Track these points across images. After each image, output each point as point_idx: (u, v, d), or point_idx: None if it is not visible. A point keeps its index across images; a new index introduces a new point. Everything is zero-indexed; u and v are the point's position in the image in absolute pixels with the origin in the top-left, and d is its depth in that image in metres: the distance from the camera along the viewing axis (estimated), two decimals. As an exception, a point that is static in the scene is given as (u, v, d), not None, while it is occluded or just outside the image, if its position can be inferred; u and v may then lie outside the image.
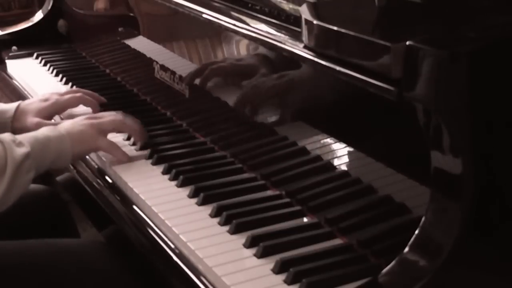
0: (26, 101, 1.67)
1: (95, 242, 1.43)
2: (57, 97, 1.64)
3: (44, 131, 1.35)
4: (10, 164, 1.23)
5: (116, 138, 1.49)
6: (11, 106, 1.61)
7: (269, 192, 1.27)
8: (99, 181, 1.41)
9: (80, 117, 1.44)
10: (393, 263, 0.95)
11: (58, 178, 1.81)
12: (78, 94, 1.66)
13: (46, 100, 1.63)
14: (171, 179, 1.34)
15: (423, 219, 0.94)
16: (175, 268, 1.12)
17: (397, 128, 1.04)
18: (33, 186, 1.61)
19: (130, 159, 1.42)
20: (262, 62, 1.33)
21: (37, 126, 1.53)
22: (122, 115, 1.49)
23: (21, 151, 1.25)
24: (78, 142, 1.37)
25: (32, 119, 1.57)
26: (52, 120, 1.63)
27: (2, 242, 1.35)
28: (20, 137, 1.29)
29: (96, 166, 1.45)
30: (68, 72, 1.94)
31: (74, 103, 1.65)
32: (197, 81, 1.52)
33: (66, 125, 1.39)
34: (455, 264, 0.91)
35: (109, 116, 1.47)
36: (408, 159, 1.04)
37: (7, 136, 1.27)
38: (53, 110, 1.63)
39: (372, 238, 1.07)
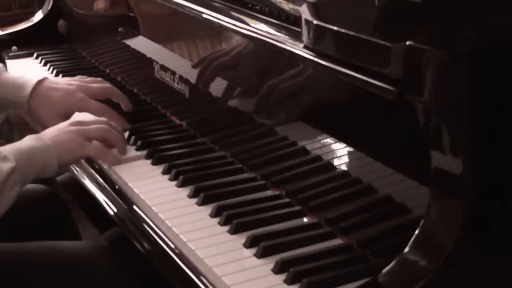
0: (49, 83, 1.58)
1: (96, 245, 1.42)
2: (83, 96, 1.54)
3: (28, 142, 1.30)
4: None
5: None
6: (27, 83, 1.55)
7: (269, 192, 1.27)
8: (99, 181, 1.41)
9: (65, 123, 1.39)
10: (393, 263, 0.95)
11: (58, 178, 1.81)
12: (107, 85, 1.60)
13: (72, 94, 1.54)
14: (171, 179, 1.34)
15: (423, 219, 0.94)
16: (175, 268, 1.12)
17: (397, 128, 1.04)
18: (33, 186, 1.61)
19: (123, 160, 1.41)
20: (261, 62, 1.33)
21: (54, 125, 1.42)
22: (108, 122, 1.43)
23: (6, 166, 1.22)
24: (64, 151, 1.33)
25: (51, 119, 1.49)
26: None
27: (2, 244, 1.35)
28: (4, 150, 1.25)
29: (96, 166, 1.45)
30: (68, 72, 1.94)
31: (102, 94, 1.58)
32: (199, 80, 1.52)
33: (51, 134, 1.34)
34: (455, 264, 0.91)
35: (95, 122, 1.42)
36: (408, 159, 1.04)
37: None
38: (76, 109, 1.52)
39: (372, 238, 1.07)
